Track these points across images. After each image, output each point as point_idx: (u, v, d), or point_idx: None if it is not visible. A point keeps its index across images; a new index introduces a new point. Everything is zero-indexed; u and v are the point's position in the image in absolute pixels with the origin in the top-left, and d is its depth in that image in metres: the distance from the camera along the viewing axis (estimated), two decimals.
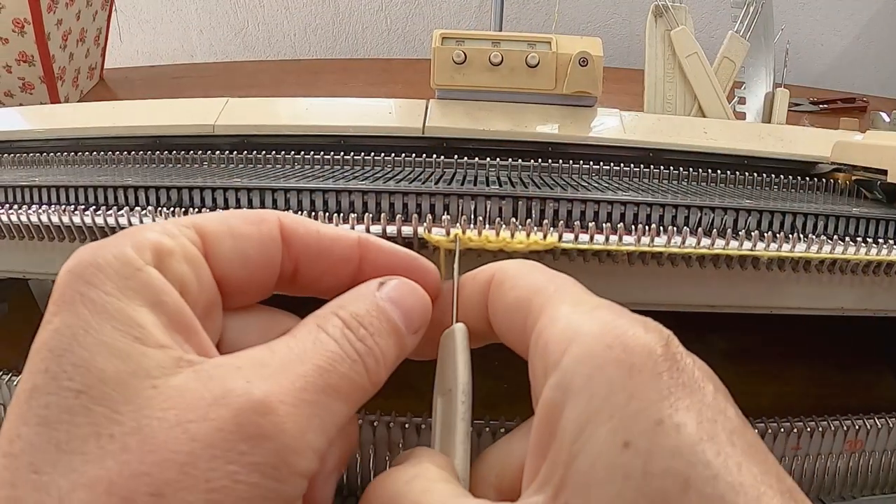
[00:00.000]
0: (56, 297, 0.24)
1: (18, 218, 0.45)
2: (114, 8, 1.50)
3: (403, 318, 0.29)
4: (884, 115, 0.78)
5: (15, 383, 0.52)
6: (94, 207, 0.45)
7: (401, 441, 0.39)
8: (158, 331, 0.24)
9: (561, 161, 0.58)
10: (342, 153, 0.58)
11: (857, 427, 0.49)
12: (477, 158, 0.57)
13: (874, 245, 0.42)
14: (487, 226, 0.39)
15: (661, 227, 0.44)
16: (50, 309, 0.24)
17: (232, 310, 0.29)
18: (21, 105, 1.22)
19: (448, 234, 0.37)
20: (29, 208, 0.46)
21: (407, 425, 0.39)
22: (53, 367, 0.23)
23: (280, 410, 0.23)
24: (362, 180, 0.49)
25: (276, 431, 0.23)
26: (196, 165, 0.59)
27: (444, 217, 0.40)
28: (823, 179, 0.61)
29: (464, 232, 0.36)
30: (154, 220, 0.42)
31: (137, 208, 0.44)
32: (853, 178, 0.59)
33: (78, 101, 1.37)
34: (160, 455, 0.21)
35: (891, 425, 0.50)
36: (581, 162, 0.58)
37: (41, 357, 0.23)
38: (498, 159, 0.58)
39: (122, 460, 0.21)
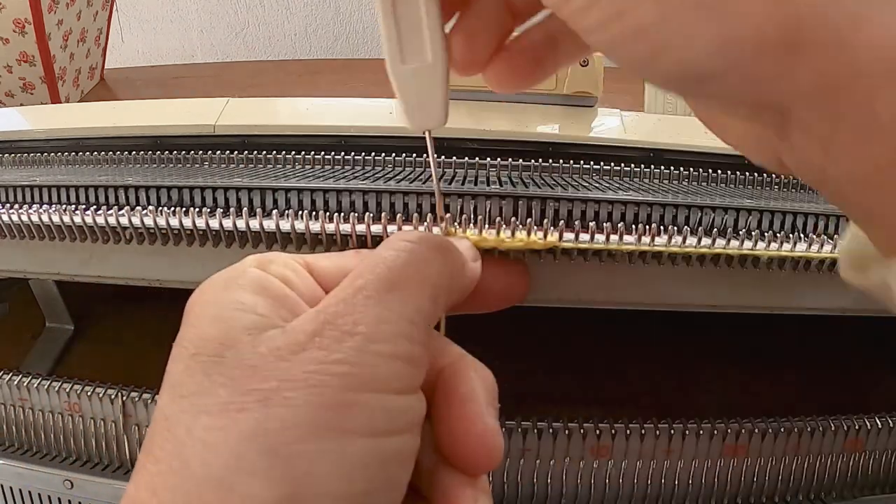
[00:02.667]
0: (185, 314, 0.30)
1: (19, 218, 0.45)
2: (114, 8, 1.50)
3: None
4: None
5: (16, 382, 0.52)
6: (94, 207, 0.45)
7: None
8: (261, 307, 0.28)
9: (561, 161, 0.58)
10: (343, 153, 0.58)
11: (857, 427, 0.50)
12: (477, 158, 0.57)
13: None
14: (487, 225, 0.39)
15: (662, 227, 0.44)
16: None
17: None
18: (22, 105, 1.22)
19: (446, 234, 0.37)
20: (30, 208, 0.46)
21: None
22: (178, 349, 0.28)
23: (347, 318, 0.27)
24: (363, 180, 0.49)
25: (348, 334, 0.27)
26: (196, 165, 0.59)
27: (444, 216, 0.41)
28: None
29: (464, 231, 0.36)
30: (155, 220, 0.42)
31: (138, 208, 0.44)
32: None
33: (78, 101, 1.37)
34: (262, 375, 0.25)
35: (891, 425, 0.50)
36: (581, 162, 0.58)
37: (173, 354, 0.28)
38: (499, 159, 0.58)
39: (231, 387, 0.25)
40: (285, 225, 0.41)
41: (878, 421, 0.50)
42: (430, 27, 0.29)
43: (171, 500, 0.24)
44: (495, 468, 0.31)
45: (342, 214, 0.41)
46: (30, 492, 0.53)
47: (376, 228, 0.38)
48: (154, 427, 0.27)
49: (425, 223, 0.39)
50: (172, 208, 0.43)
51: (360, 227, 0.39)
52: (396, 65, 0.30)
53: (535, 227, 0.39)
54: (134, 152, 0.61)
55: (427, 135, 0.33)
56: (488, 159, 0.57)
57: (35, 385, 0.52)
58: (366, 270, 0.29)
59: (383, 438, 0.26)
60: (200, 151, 0.60)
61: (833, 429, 0.49)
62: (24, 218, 0.45)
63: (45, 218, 0.44)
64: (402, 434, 0.27)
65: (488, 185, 0.49)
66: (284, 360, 0.26)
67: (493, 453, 0.30)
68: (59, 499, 0.52)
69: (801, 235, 0.45)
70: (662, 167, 0.59)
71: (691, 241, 0.40)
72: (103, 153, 0.62)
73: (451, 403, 0.30)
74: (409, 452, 0.28)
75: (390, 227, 0.38)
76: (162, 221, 0.42)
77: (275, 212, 0.44)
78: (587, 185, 0.53)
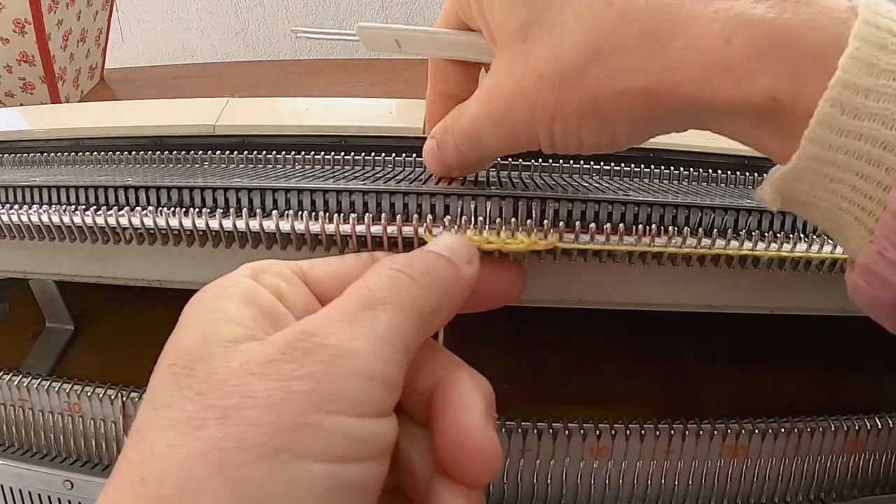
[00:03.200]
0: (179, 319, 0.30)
1: (19, 218, 0.45)
2: (114, 8, 1.50)
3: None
4: None
5: (16, 383, 0.52)
6: (94, 207, 0.45)
7: None
8: (245, 318, 0.28)
9: (561, 161, 0.58)
10: (343, 153, 0.58)
11: (857, 427, 0.50)
12: None
13: None
14: (488, 226, 0.39)
15: (662, 227, 0.44)
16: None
17: None
18: (22, 105, 1.22)
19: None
20: (30, 208, 0.46)
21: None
22: (160, 362, 0.28)
23: (321, 331, 0.27)
24: (363, 180, 0.49)
25: (319, 346, 0.26)
26: (196, 165, 0.59)
27: (444, 218, 0.41)
28: None
29: (465, 232, 0.36)
30: (155, 221, 0.42)
31: (138, 208, 0.44)
32: None
33: (78, 101, 1.37)
34: (225, 391, 0.25)
35: (891, 425, 0.50)
36: (581, 162, 0.58)
37: (156, 365, 0.28)
38: (498, 159, 0.57)
39: (196, 401, 0.25)
40: (285, 225, 0.41)
41: (878, 421, 0.50)
42: None
43: None
44: (493, 479, 0.31)
45: (342, 215, 0.41)
46: (30, 492, 0.53)
47: (376, 229, 0.38)
48: (128, 439, 0.26)
49: (424, 223, 0.39)
50: (172, 209, 0.43)
51: (360, 228, 0.39)
52: None
53: (536, 228, 0.39)
54: (134, 152, 0.61)
55: None
56: None
57: (35, 385, 0.52)
58: (348, 292, 0.30)
59: (343, 465, 0.26)
60: (200, 151, 0.60)
61: (833, 429, 0.49)
62: (24, 218, 0.45)
63: (45, 218, 0.44)
64: (365, 462, 0.26)
65: (488, 185, 0.49)
66: (252, 374, 0.26)
67: (490, 463, 0.29)
68: (59, 499, 0.52)
69: (801, 236, 0.45)
70: (662, 167, 0.59)
71: (691, 241, 0.40)
72: (103, 153, 0.62)
73: (447, 414, 0.30)
74: (371, 481, 0.27)
75: (390, 228, 0.38)
76: (162, 222, 0.42)
77: (275, 212, 0.44)
78: (587, 185, 0.53)
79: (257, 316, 0.29)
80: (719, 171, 0.59)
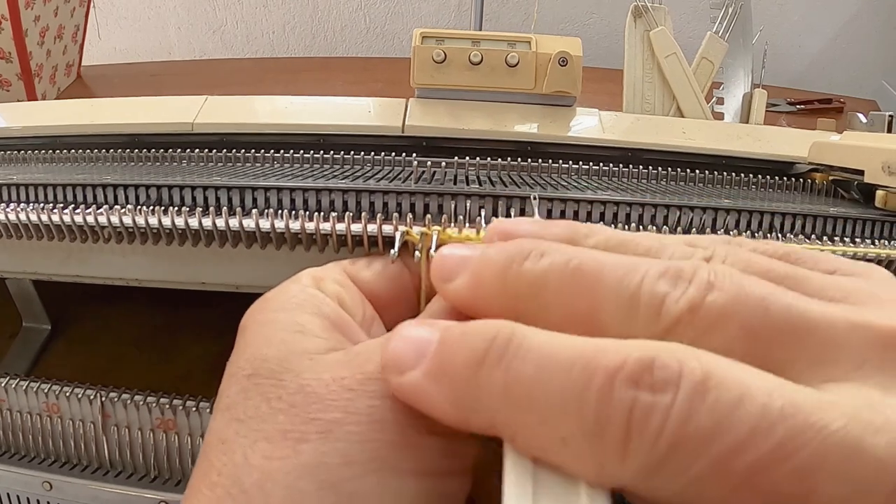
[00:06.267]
0: (239, 329, 0.30)
1: None
2: (92, 5, 1.49)
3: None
4: (860, 116, 0.78)
5: (3, 384, 0.52)
6: (72, 206, 0.45)
7: None
8: (318, 329, 0.28)
9: (540, 160, 0.58)
10: (322, 152, 0.58)
11: None
12: (457, 157, 0.57)
13: (851, 244, 0.43)
14: (468, 224, 0.39)
15: (640, 227, 0.44)
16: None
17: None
18: None
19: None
20: (6, 206, 0.45)
21: None
22: (233, 369, 0.28)
23: None
24: (342, 179, 0.49)
25: None
26: (175, 164, 0.59)
27: (426, 217, 0.41)
28: (801, 179, 0.61)
29: (444, 230, 0.36)
30: (133, 219, 0.42)
31: (116, 207, 0.44)
32: (830, 178, 0.60)
33: (55, 99, 1.36)
34: (323, 404, 0.25)
35: None
36: (560, 161, 0.58)
37: (227, 374, 0.28)
38: (478, 158, 0.58)
39: (291, 413, 0.25)
40: (265, 224, 0.41)
41: None
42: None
43: None
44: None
45: (321, 214, 0.41)
46: (8, 494, 0.52)
47: (356, 228, 0.38)
48: (208, 450, 0.26)
49: (404, 224, 0.39)
50: (151, 207, 0.43)
51: (340, 227, 0.39)
52: None
53: None
54: (111, 150, 0.61)
55: None
56: (467, 158, 0.57)
57: (13, 385, 0.51)
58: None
59: (441, 479, 0.26)
60: (179, 149, 0.60)
61: None
62: (1, 216, 0.45)
63: (21, 217, 0.44)
64: (456, 476, 0.27)
65: (467, 184, 0.49)
66: (350, 389, 0.26)
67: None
68: (38, 500, 0.52)
69: (779, 235, 0.45)
70: (641, 167, 0.59)
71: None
72: (80, 151, 0.62)
73: None
74: (463, 494, 0.27)
75: (370, 227, 0.38)
76: (140, 220, 0.42)
77: (254, 211, 0.43)
78: (566, 184, 0.53)
79: (328, 326, 0.29)
80: (697, 171, 0.60)
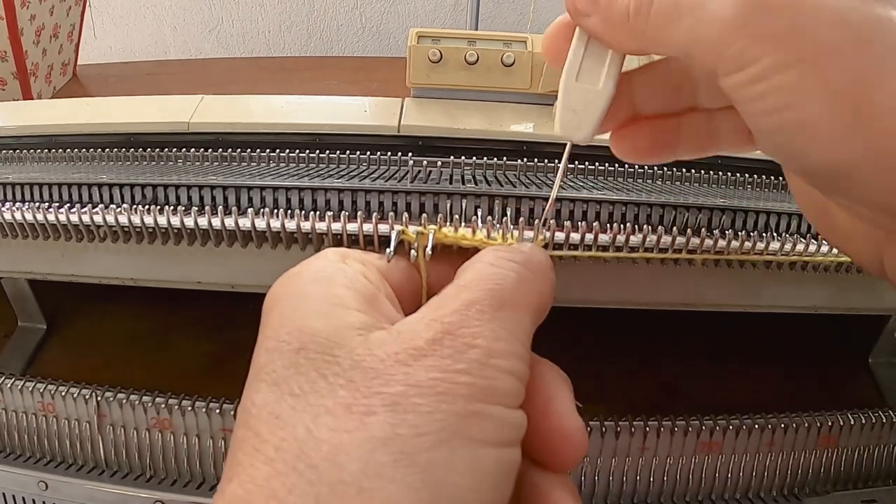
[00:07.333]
0: (266, 302, 0.30)
1: None
2: (87, 4, 1.49)
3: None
4: None
5: (9, 385, 0.52)
6: (67, 205, 0.45)
7: None
8: (355, 302, 0.29)
9: (536, 160, 0.58)
10: (317, 151, 0.58)
11: (830, 424, 0.50)
12: (452, 157, 0.57)
13: None
14: (463, 223, 0.39)
15: (636, 226, 0.44)
16: (263, 311, 0.30)
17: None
18: None
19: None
20: (2, 206, 0.45)
21: None
22: (274, 343, 0.28)
23: (463, 331, 0.27)
24: (338, 179, 0.49)
25: (468, 346, 0.27)
26: (171, 163, 0.59)
27: (422, 216, 0.41)
28: None
29: (440, 229, 0.36)
30: (129, 218, 0.42)
31: (112, 206, 0.44)
32: None
33: (51, 98, 1.36)
34: (383, 378, 0.25)
35: (863, 422, 0.50)
36: (556, 161, 0.58)
37: (263, 339, 0.28)
38: (474, 158, 0.58)
39: (351, 388, 0.25)
40: (260, 223, 0.41)
41: (850, 418, 0.51)
42: (612, 64, 0.32)
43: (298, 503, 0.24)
44: (579, 463, 0.32)
45: (317, 213, 0.41)
46: (4, 493, 0.52)
47: (352, 227, 0.38)
48: (257, 424, 0.26)
49: (400, 223, 0.39)
50: (146, 206, 0.43)
51: (336, 226, 0.39)
52: (571, 80, 0.32)
53: (512, 227, 0.39)
54: (107, 150, 0.61)
55: (568, 145, 0.34)
56: (463, 158, 0.57)
57: (8, 385, 0.51)
58: (474, 284, 0.30)
59: (507, 449, 0.27)
60: (174, 149, 0.60)
61: (807, 426, 0.50)
62: None
63: (17, 216, 0.44)
64: (516, 446, 0.28)
65: (463, 183, 0.49)
66: (406, 364, 0.26)
67: (580, 448, 0.30)
68: (33, 500, 0.52)
69: (775, 234, 0.45)
70: (636, 166, 0.59)
71: (666, 239, 0.40)
72: (76, 150, 0.62)
73: (539, 403, 0.31)
74: (518, 464, 0.28)
75: (366, 226, 0.38)
76: (136, 219, 0.42)
77: (250, 210, 0.43)
78: (561, 184, 0.53)
79: (363, 300, 0.29)
80: (693, 171, 0.60)
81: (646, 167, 0.59)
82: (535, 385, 0.31)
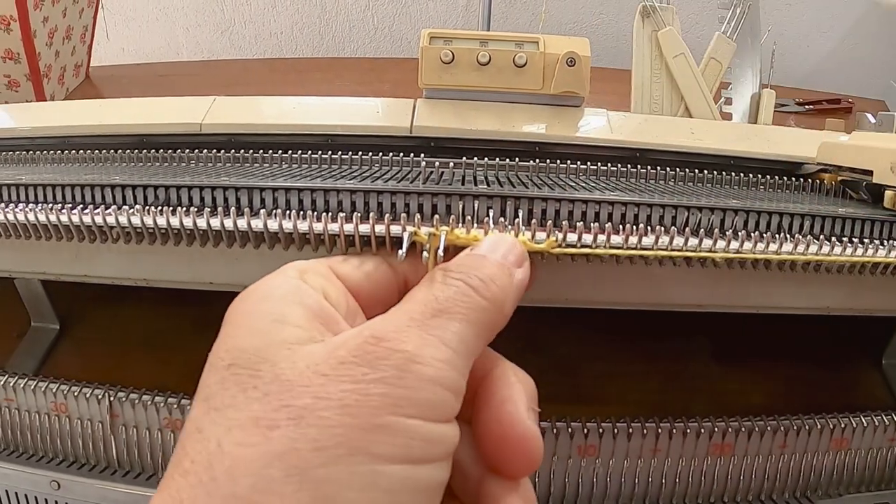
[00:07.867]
0: (222, 323, 0.30)
1: (4, 216, 0.45)
2: (100, 5, 1.49)
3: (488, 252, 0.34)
4: (869, 116, 0.78)
5: (1, 383, 0.52)
6: (80, 206, 0.45)
7: None
8: (300, 319, 0.29)
9: (548, 161, 0.58)
10: (329, 152, 0.58)
11: (842, 426, 0.50)
12: (464, 158, 0.57)
13: (860, 245, 0.42)
14: (475, 225, 0.39)
15: (648, 227, 0.44)
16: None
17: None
18: (6, 103, 1.21)
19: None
20: (15, 207, 0.46)
21: None
22: (213, 360, 0.28)
23: (391, 336, 0.27)
24: (350, 180, 0.49)
25: (391, 351, 0.27)
26: (183, 164, 0.59)
27: (434, 217, 0.41)
28: (809, 180, 0.61)
29: (452, 230, 0.36)
30: (142, 219, 0.42)
31: (125, 207, 0.44)
32: (839, 178, 0.59)
33: (64, 99, 1.36)
34: (295, 391, 0.25)
35: (876, 424, 0.50)
36: (568, 162, 0.58)
37: (208, 364, 0.29)
38: (486, 159, 0.58)
39: (265, 402, 0.25)
40: (273, 224, 0.41)
41: (863, 420, 0.50)
42: None
43: None
44: (536, 470, 0.31)
45: (329, 214, 0.41)
46: (16, 493, 0.52)
47: (364, 228, 0.38)
48: (185, 438, 0.26)
49: (412, 224, 0.39)
50: (159, 207, 0.43)
51: (348, 227, 0.39)
52: None
53: (524, 228, 0.39)
54: (120, 151, 0.61)
55: None
56: (475, 158, 0.57)
57: (21, 385, 0.52)
58: (415, 299, 0.30)
59: (416, 466, 0.26)
60: (187, 150, 0.60)
61: (819, 427, 0.50)
62: (10, 217, 0.45)
63: (30, 217, 0.44)
64: (434, 463, 0.27)
65: (475, 184, 0.49)
66: (322, 375, 0.26)
67: (533, 454, 0.30)
68: (45, 500, 0.52)
69: (788, 235, 0.45)
70: (649, 167, 0.59)
71: (678, 241, 0.40)
72: (89, 151, 0.62)
73: (492, 407, 0.30)
74: (439, 483, 0.28)
75: (378, 227, 0.38)
76: (148, 220, 0.42)
77: (262, 211, 0.43)
78: (573, 184, 0.53)
79: (310, 317, 0.29)
80: (706, 172, 0.59)
81: (658, 168, 0.59)
82: (489, 388, 0.31)
